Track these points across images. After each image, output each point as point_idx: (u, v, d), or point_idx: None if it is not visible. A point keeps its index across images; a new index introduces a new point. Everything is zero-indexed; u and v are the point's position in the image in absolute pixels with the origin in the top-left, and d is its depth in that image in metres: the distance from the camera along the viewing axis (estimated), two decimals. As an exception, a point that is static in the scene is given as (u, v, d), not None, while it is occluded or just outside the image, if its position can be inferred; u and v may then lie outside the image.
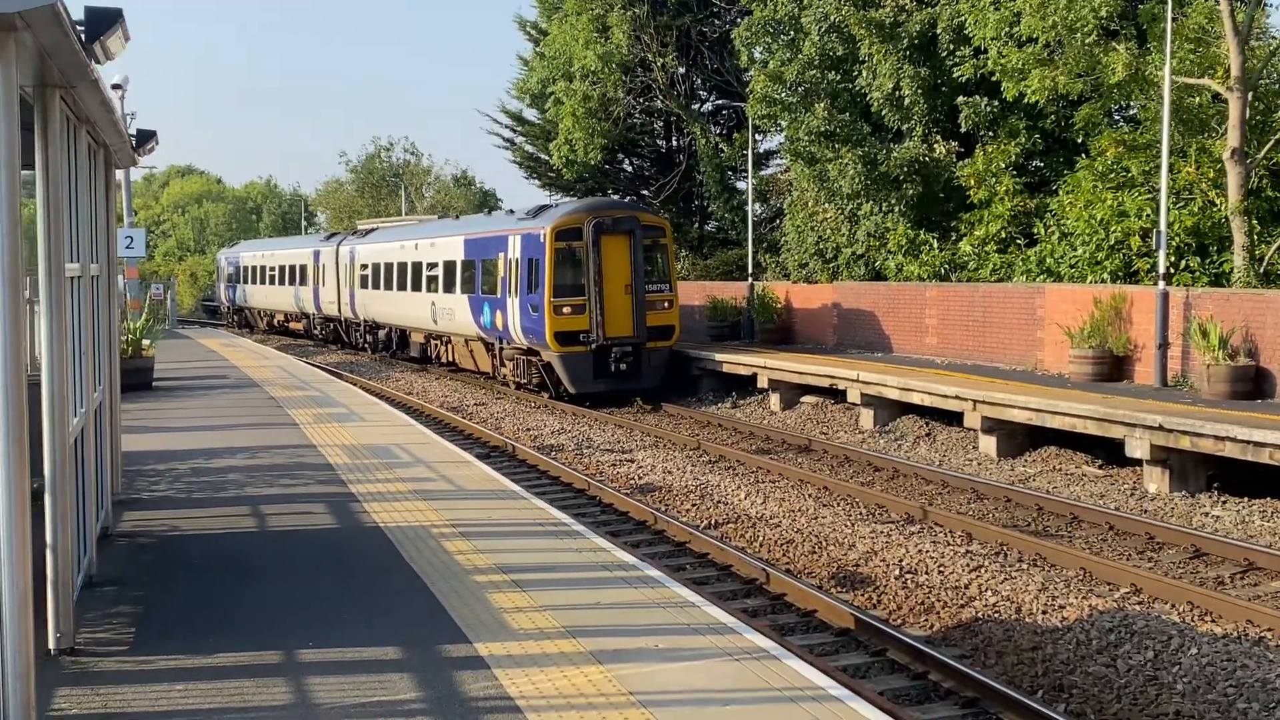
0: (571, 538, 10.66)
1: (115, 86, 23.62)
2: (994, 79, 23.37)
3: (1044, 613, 11.06)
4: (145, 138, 10.88)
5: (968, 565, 12.53)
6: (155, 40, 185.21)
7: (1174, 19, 19.30)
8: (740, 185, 40.39)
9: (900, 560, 12.87)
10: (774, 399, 25.14)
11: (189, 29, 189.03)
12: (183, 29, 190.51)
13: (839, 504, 15.87)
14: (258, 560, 9.90)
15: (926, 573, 12.41)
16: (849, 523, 14.74)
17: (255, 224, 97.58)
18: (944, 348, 25.07)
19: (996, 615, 11.02)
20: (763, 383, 25.42)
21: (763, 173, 38.60)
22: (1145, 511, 15.00)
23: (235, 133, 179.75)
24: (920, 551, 13.14)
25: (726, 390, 27.28)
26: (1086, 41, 21.44)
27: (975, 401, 18.86)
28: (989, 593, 11.67)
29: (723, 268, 39.20)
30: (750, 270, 32.55)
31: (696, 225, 43.76)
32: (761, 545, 13.97)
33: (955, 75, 24.09)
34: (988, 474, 17.70)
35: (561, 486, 17.68)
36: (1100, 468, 17.47)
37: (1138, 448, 15.86)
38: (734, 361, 26.55)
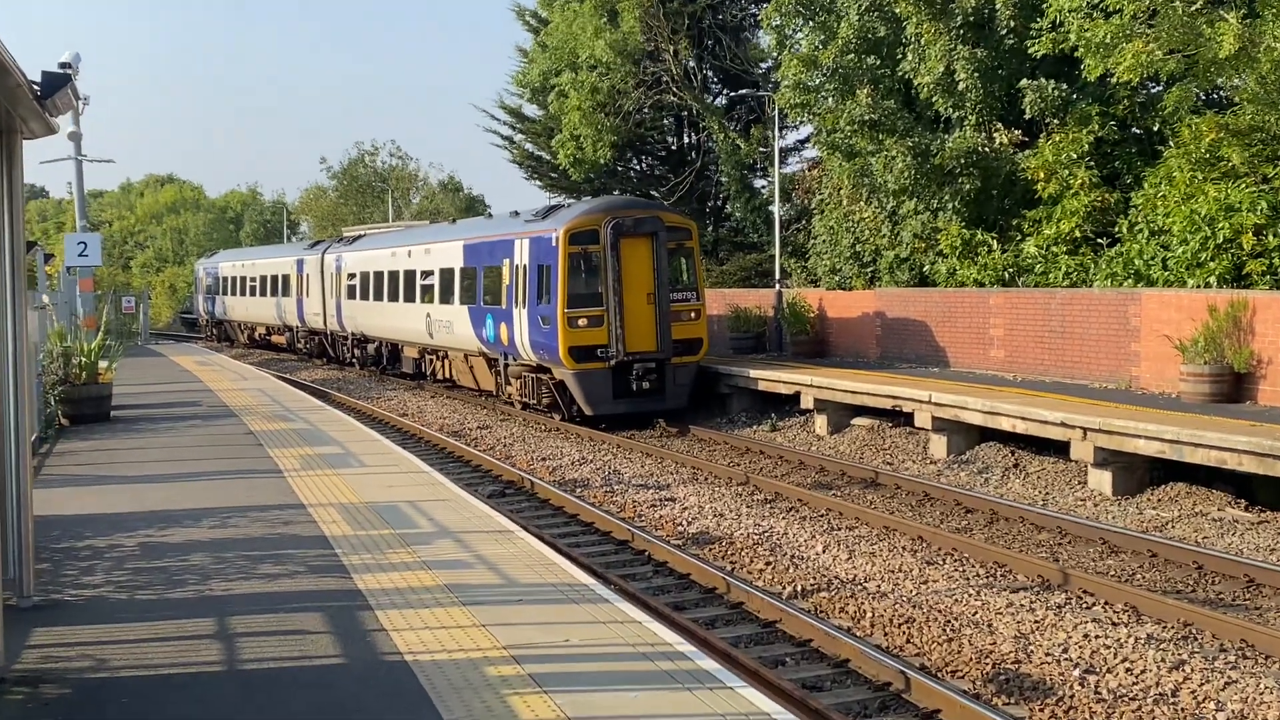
0: (702, 685, 6.96)
1: (64, 65, 20.29)
2: (1075, 54, 20.44)
3: (1299, 737, 8.16)
4: (55, 83, 7.63)
5: (1161, 658, 9.58)
6: (133, 48, 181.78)
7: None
8: (759, 184, 37.45)
9: (1067, 650, 9.92)
10: (820, 421, 22.20)
11: (166, 37, 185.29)
12: (160, 37, 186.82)
13: (944, 561, 12.96)
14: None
15: (1111, 671, 9.46)
16: (970, 589, 11.82)
17: (235, 234, 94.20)
18: (1013, 362, 22.16)
19: (1243, 746, 8.10)
20: (807, 403, 22.47)
21: (784, 169, 35.63)
22: (1339, 572, 12.09)
23: (217, 142, 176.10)
24: (1086, 637, 10.20)
25: (761, 410, 24.33)
26: (1189, 11, 18.56)
27: (1086, 429, 15.91)
28: (1210, 704, 8.74)
29: (740, 273, 36.26)
30: (777, 276, 29.62)
31: (711, 228, 40.74)
32: (872, 624, 11.00)
33: (1031, 50, 21.11)
34: (1111, 518, 14.77)
35: (599, 536, 14.77)
36: (1246, 509, 14.58)
37: (1316, 490, 12.97)
38: (772, 379, 23.59)
